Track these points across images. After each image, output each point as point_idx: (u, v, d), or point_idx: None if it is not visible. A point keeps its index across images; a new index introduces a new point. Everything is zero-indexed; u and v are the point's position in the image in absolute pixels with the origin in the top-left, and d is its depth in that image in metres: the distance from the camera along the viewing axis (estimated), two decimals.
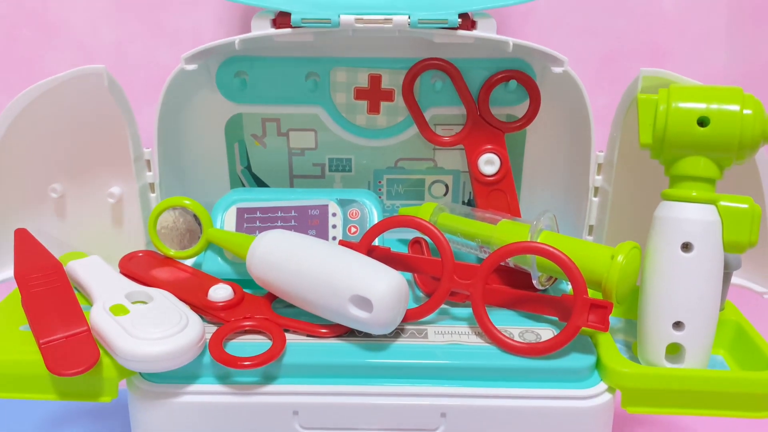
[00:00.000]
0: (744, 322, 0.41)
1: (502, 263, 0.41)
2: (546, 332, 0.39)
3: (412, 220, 0.40)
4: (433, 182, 0.52)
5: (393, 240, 0.50)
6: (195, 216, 0.44)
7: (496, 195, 0.48)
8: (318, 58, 0.47)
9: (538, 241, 0.40)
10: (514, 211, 0.48)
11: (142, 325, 0.36)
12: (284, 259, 0.39)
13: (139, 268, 0.43)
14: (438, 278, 0.41)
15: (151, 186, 0.46)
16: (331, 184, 0.52)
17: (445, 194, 0.52)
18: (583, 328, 0.36)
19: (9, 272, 0.46)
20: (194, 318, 0.37)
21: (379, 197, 0.52)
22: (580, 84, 0.43)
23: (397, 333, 0.39)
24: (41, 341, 0.36)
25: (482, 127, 0.47)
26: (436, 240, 0.39)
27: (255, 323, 0.39)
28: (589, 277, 0.38)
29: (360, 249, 0.41)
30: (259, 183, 0.52)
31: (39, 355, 0.36)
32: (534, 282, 0.41)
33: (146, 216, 0.46)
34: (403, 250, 0.46)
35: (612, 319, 0.40)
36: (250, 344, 0.38)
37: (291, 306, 0.40)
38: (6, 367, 0.36)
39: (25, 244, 0.43)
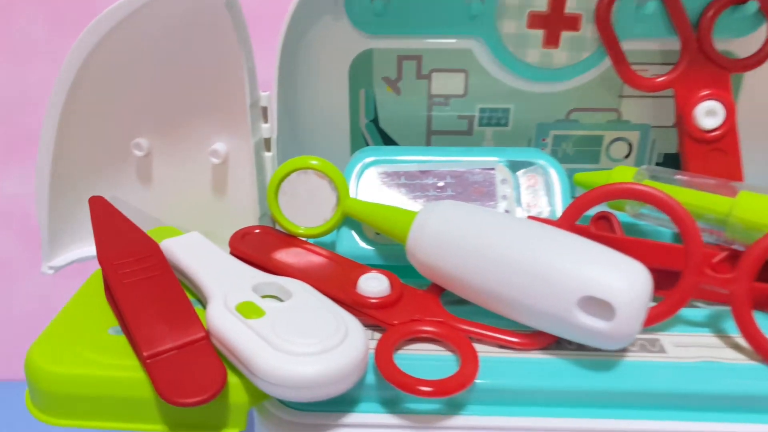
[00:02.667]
0: None
1: None
2: None
3: (640, 191, 0.29)
4: (614, 140, 0.40)
5: None
6: (330, 182, 0.33)
7: (714, 156, 0.36)
8: None
9: None
10: (735, 177, 0.37)
11: (287, 333, 0.25)
12: (470, 240, 0.28)
13: (256, 249, 0.33)
14: (663, 269, 0.30)
15: (266, 142, 0.35)
16: (479, 142, 0.41)
17: (626, 156, 0.41)
18: None
19: (76, 251, 0.36)
20: (354, 322, 0.27)
21: None
22: None
23: None
24: (146, 354, 0.26)
25: (702, 66, 0.36)
26: (679, 219, 0.28)
27: (438, 330, 0.28)
28: None
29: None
30: (387, 141, 0.41)
31: (141, 372, 0.26)
32: None
33: (261, 181, 0.35)
34: None
35: None
36: (421, 358, 0.28)
37: (460, 301, 0.30)
38: (97, 386, 0.26)
39: (106, 218, 0.33)
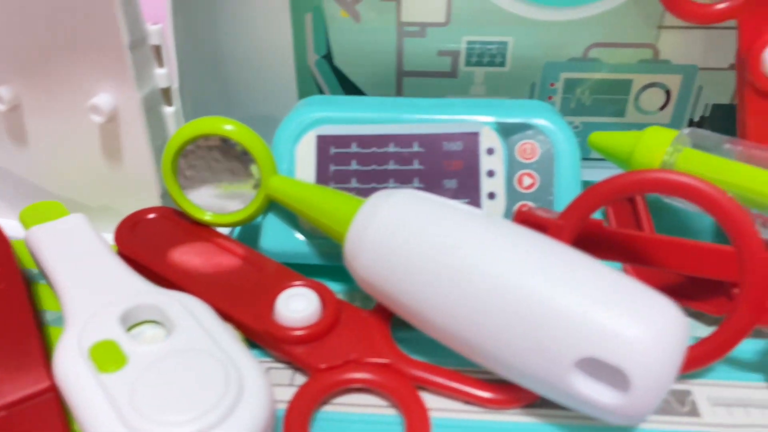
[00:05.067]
0: None
1: None
2: None
3: (677, 182, 0.20)
4: (646, 86, 0.30)
5: None
6: (245, 152, 0.24)
7: None
8: None
9: None
10: None
11: (147, 401, 0.17)
12: (430, 256, 0.20)
13: (148, 244, 0.24)
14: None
15: (165, 93, 0.26)
16: (466, 87, 0.31)
17: (662, 107, 0.31)
18: None
19: None
20: (254, 375, 0.19)
21: None
22: None
23: None
24: None
25: None
26: (733, 221, 0.19)
27: (374, 377, 0.20)
28: None
29: (562, 233, 0.21)
30: (344, 84, 0.31)
31: None
32: None
33: (158, 148, 0.26)
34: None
35: None
36: (352, 419, 0.20)
37: (413, 328, 0.22)
38: None
39: None
